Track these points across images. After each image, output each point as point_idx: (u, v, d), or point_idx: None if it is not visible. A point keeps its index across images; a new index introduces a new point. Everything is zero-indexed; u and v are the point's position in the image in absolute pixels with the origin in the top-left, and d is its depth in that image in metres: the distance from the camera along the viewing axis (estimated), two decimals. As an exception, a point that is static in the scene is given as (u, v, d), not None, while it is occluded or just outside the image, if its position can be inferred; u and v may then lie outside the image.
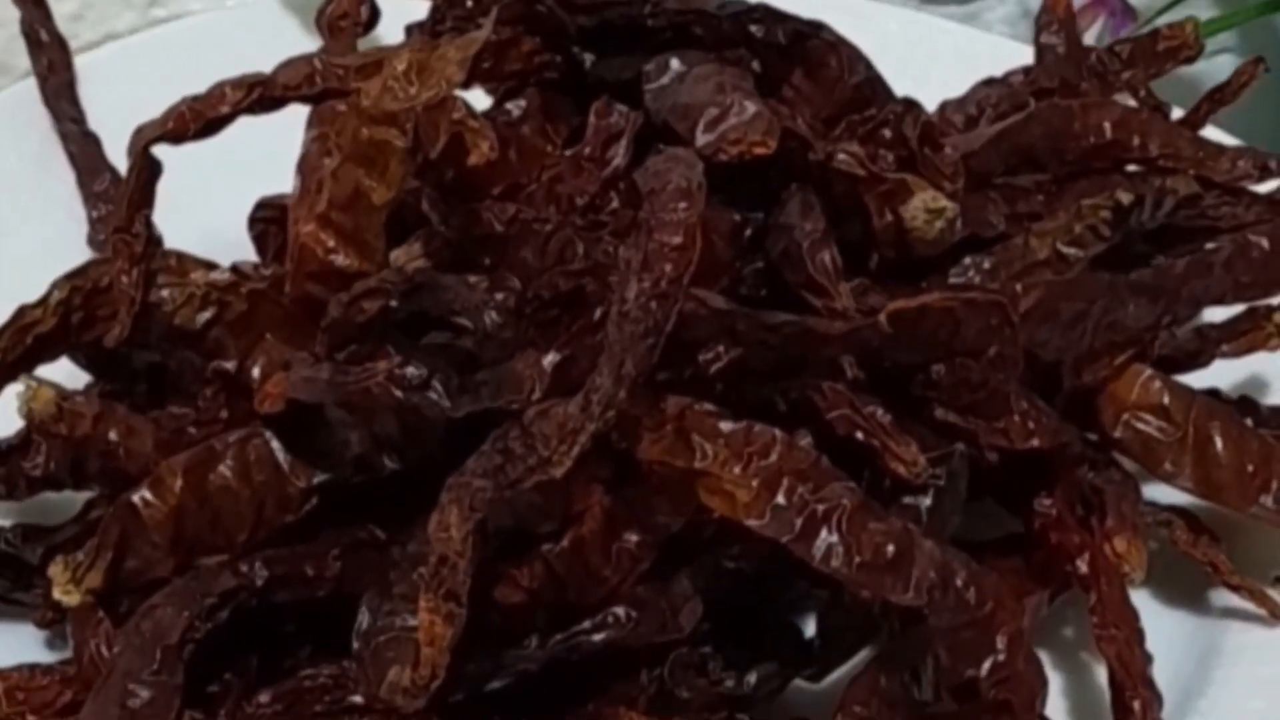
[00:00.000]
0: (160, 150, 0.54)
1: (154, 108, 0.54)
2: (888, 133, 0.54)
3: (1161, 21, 0.69)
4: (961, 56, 0.68)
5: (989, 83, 0.63)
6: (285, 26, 0.67)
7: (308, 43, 0.64)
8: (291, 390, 0.46)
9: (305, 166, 0.52)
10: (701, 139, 0.50)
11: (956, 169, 0.53)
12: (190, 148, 0.51)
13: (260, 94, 0.49)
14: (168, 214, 0.53)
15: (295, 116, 0.53)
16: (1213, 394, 0.57)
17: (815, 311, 0.49)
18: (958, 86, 0.63)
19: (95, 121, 0.64)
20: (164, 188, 0.52)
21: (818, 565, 0.45)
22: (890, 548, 0.45)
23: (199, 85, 0.56)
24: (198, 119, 0.49)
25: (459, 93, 0.51)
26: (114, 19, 0.74)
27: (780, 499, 0.45)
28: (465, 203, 0.51)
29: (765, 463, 0.46)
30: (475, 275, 0.49)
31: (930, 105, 0.61)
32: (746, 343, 0.48)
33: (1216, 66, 0.78)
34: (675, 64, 0.53)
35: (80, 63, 0.65)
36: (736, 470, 0.46)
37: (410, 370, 0.46)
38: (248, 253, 0.57)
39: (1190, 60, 0.65)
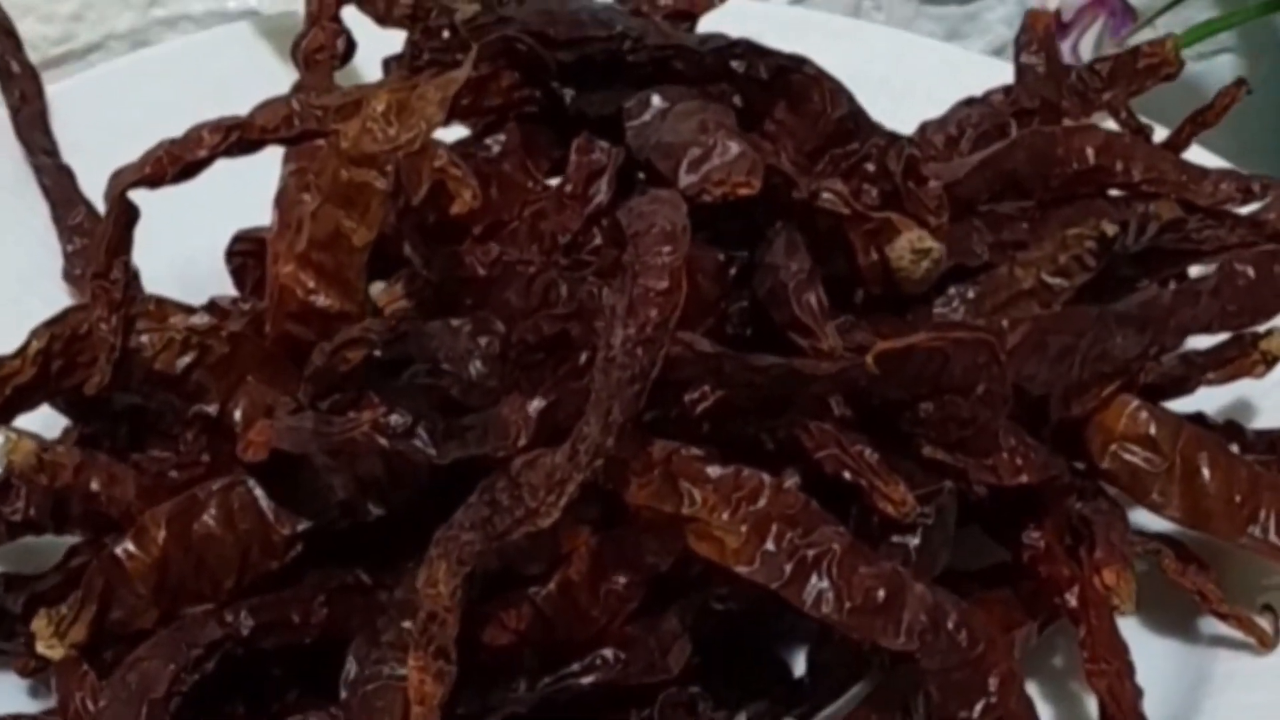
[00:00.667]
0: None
1: (128, 136, 0.54)
2: (871, 167, 0.53)
3: (1161, 21, 0.73)
4: (943, 74, 0.68)
5: (969, 102, 0.63)
6: (260, 52, 0.67)
7: (283, 68, 0.64)
8: (276, 440, 0.46)
9: (283, 201, 0.52)
10: (685, 179, 0.49)
11: (941, 203, 0.52)
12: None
13: (238, 137, 0.49)
14: (144, 247, 0.52)
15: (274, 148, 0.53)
16: (1198, 418, 0.57)
17: (801, 351, 0.49)
18: (940, 104, 0.63)
19: (69, 151, 0.63)
20: (142, 220, 0.52)
21: (808, 611, 0.45)
22: (881, 592, 0.45)
23: (173, 113, 0.55)
24: (175, 163, 0.49)
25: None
26: (114, 19, 0.74)
27: (769, 545, 0.45)
28: (447, 243, 0.51)
29: (754, 508, 0.45)
30: (458, 318, 0.49)
31: (912, 123, 0.61)
32: (733, 384, 0.47)
33: (1216, 66, 0.81)
34: (656, 100, 0.53)
35: (52, 92, 0.64)
36: (725, 516, 0.45)
37: (395, 418, 0.46)
38: (225, 284, 0.57)
39: (1171, 77, 0.65)
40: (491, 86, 0.55)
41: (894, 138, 0.54)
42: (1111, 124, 0.63)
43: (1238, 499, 0.53)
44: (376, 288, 0.52)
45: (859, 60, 0.63)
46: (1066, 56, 0.72)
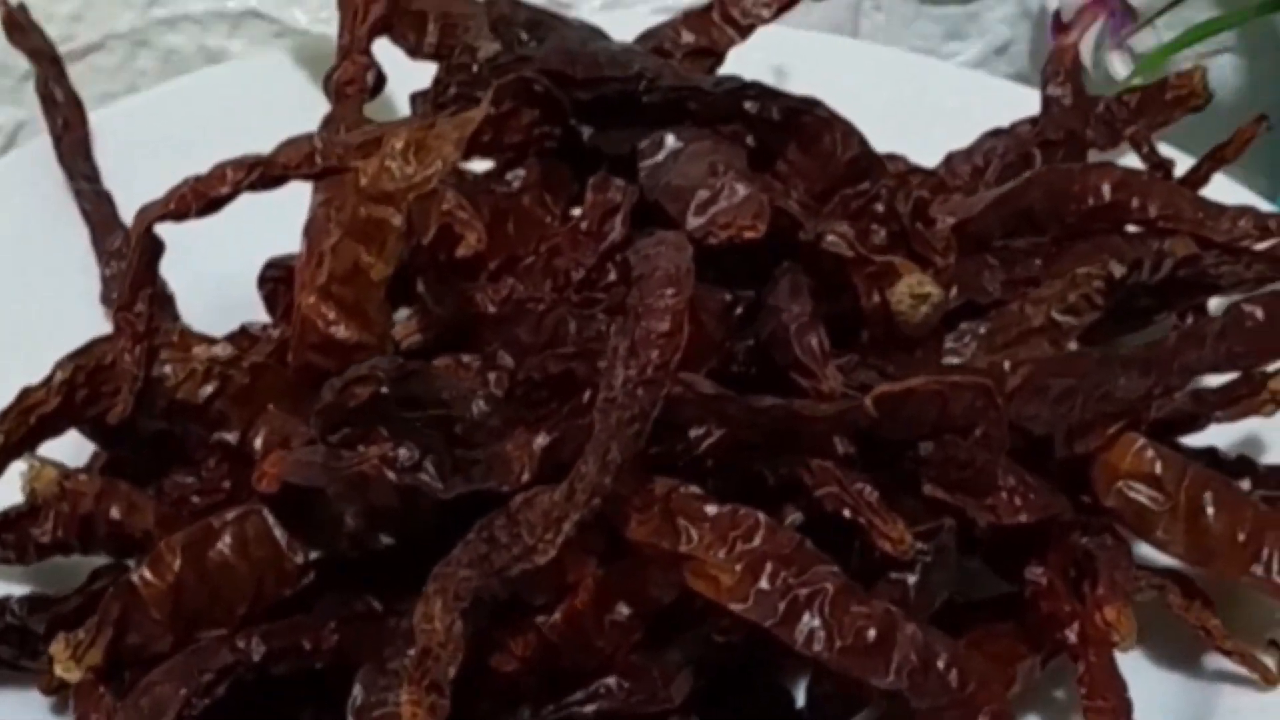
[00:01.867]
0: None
1: (168, 162, 0.55)
2: (881, 207, 0.54)
3: (1161, 21, 0.72)
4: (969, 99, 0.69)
5: (995, 133, 0.64)
6: (296, 81, 0.68)
7: (319, 97, 0.65)
8: (288, 473, 0.47)
9: (311, 231, 0.54)
10: (692, 221, 0.51)
11: (948, 244, 0.53)
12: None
13: (261, 174, 0.50)
14: (183, 271, 0.55)
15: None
16: (1211, 453, 0.57)
17: (803, 392, 0.50)
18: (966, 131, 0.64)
19: (109, 177, 0.65)
20: (182, 246, 0.54)
21: (800, 649, 0.46)
22: (872, 631, 0.46)
23: (212, 138, 0.58)
24: (199, 199, 0.50)
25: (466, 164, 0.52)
26: (114, 19, 0.75)
27: (763, 583, 0.46)
28: (462, 277, 0.52)
29: (749, 546, 0.47)
30: (470, 352, 0.50)
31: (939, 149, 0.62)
32: (735, 424, 0.48)
33: (1217, 67, 0.79)
34: (670, 140, 0.55)
35: (95, 119, 0.66)
36: (720, 554, 0.47)
37: (403, 453, 0.47)
38: (259, 308, 0.59)
39: (1199, 108, 0.66)
40: (512, 123, 0.57)
41: (903, 179, 0.55)
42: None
43: (1242, 537, 0.54)
44: (402, 314, 0.54)
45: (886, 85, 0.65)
46: None
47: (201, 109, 0.67)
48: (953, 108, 0.68)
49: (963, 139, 0.64)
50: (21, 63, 0.71)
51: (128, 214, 0.63)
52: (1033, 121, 0.64)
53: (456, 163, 0.50)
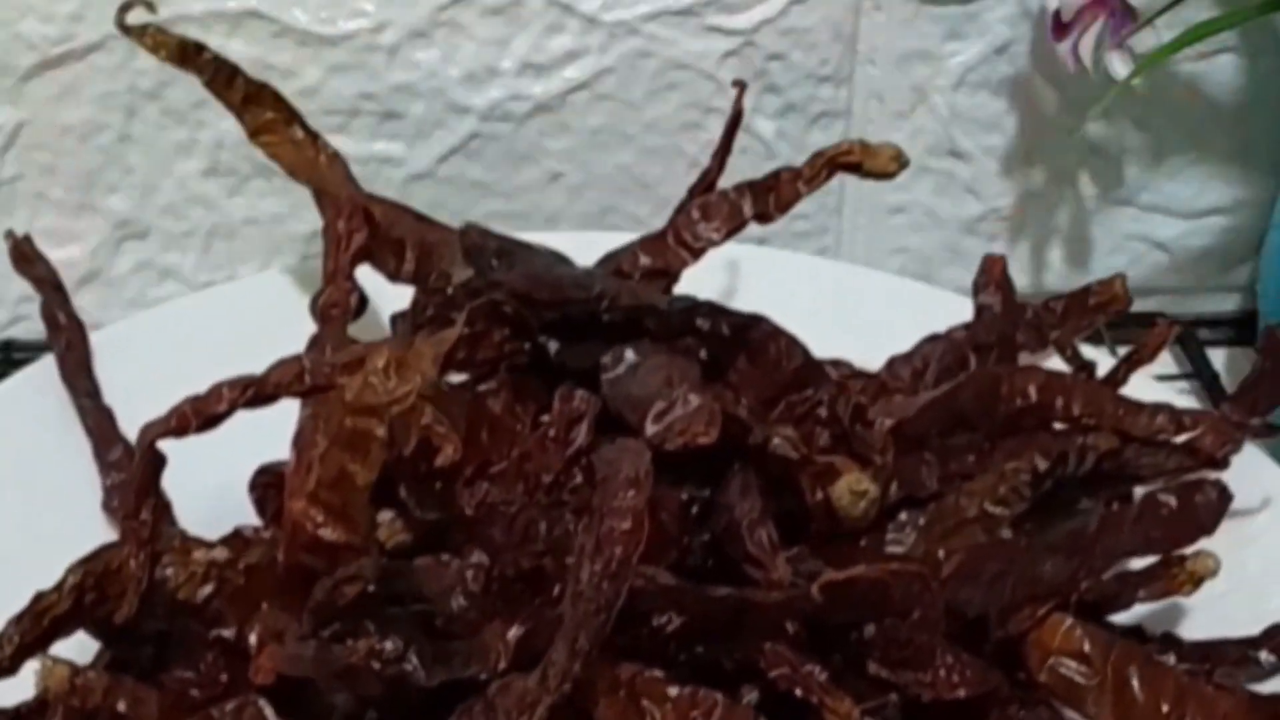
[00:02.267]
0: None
1: (166, 377, 0.59)
2: (824, 412, 0.59)
3: (1161, 22, 0.72)
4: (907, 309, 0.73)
5: (933, 338, 0.68)
6: (286, 299, 0.72)
7: (305, 318, 0.68)
8: (282, 666, 0.51)
9: (300, 442, 0.57)
10: (650, 429, 0.55)
11: (885, 443, 0.58)
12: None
13: (254, 392, 0.54)
14: (181, 479, 0.57)
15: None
16: (1137, 631, 0.61)
17: (755, 582, 0.54)
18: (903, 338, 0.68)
19: (109, 391, 0.69)
20: (180, 457, 0.56)
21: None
22: (830, 804, 0.50)
23: (206, 357, 0.62)
24: (199, 416, 0.54)
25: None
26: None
27: (723, 758, 0.50)
28: (441, 482, 0.56)
29: (708, 725, 0.50)
30: (449, 551, 0.54)
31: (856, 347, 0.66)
32: (692, 612, 0.52)
33: (1216, 67, 0.80)
34: (629, 355, 0.59)
35: (96, 340, 0.70)
36: (682, 733, 0.50)
37: (389, 645, 0.51)
38: (250, 512, 0.62)
39: (1121, 314, 0.70)
40: (485, 341, 0.61)
41: (842, 386, 0.60)
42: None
43: (1165, 708, 0.57)
44: (385, 515, 0.58)
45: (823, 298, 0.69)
46: (1067, 57, 0.74)
47: (196, 329, 0.71)
48: (891, 316, 0.72)
49: (903, 343, 0.68)
50: (22, 62, 0.73)
51: (127, 426, 0.67)
52: (967, 327, 0.68)
53: (434, 378, 0.54)
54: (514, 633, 0.52)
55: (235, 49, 0.75)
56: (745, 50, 0.78)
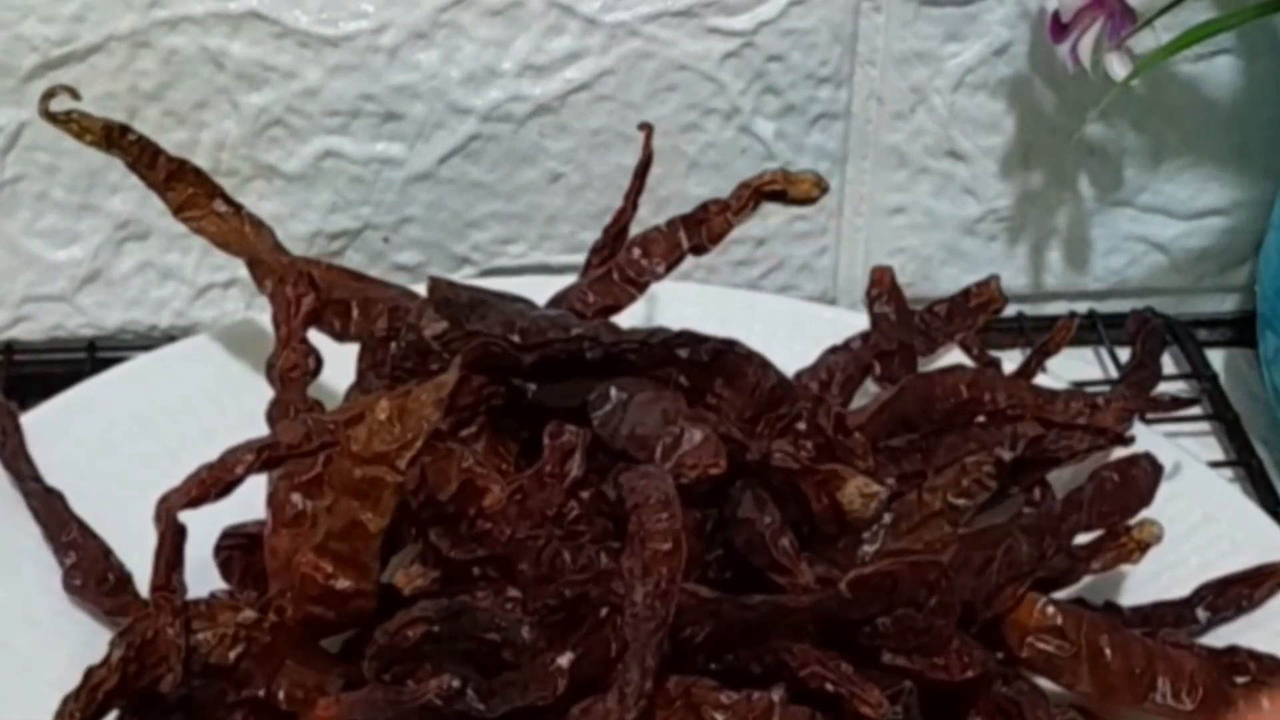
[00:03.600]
0: (127, 481, 0.62)
1: (103, 451, 0.63)
2: (802, 425, 0.62)
3: (1161, 22, 0.73)
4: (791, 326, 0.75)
5: (834, 350, 0.71)
6: (217, 364, 0.72)
7: (247, 376, 0.70)
8: (347, 715, 0.53)
9: (274, 502, 0.58)
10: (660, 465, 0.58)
11: (866, 449, 0.62)
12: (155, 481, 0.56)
13: (268, 456, 0.55)
14: (141, 552, 0.57)
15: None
16: (1080, 603, 0.64)
17: (780, 588, 0.58)
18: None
19: (52, 470, 0.67)
20: (136, 531, 0.58)
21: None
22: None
23: (140, 428, 0.66)
24: (217, 483, 0.55)
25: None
26: (115, 20, 0.75)
27: (786, 754, 0.53)
28: (467, 522, 0.58)
29: (768, 725, 0.54)
30: (466, 591, 0.57)
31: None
32: (729, 621, 0.56)
33: (1216, 67, 0.81)
34: (614, 392, 0.61)
35: (27, 421, 0.68)
36: (745, 734, 0.53)
37: (454, 682, 0.53)
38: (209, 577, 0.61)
39: (998, 313, 0.74)
40: (465, 387, 0.62)
41: (819, 399, 0.63)
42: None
43: (1138, 671, 0.61)
44: (398, 577, 0.59)
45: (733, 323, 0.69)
46: (1066, 58, 0.74)
47: (139, 396, 0.71)
48: (787, 334, 0.73)
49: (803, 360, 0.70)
50: (22, 63, 0.74)
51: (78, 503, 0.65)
52: (864, 337, 0.71)
53: (437, 422, 0.55)
54: (566, 659, 0.55)
55: (236, 50, 0.77)
56: (745, 51, 0.79)
